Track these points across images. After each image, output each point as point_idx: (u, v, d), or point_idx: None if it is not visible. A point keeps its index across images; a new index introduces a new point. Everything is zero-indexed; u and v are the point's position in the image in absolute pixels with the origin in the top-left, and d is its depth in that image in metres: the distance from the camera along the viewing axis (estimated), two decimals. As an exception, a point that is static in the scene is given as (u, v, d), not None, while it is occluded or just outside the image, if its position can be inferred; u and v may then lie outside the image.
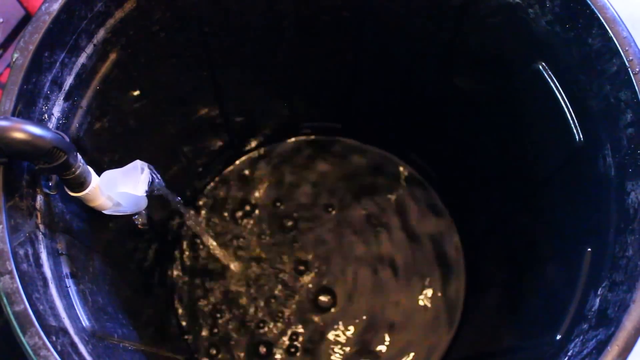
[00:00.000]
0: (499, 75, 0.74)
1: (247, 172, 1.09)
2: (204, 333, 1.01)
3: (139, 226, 0.71)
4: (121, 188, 0.60)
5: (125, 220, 0.69)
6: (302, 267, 1.03)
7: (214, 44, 0.80)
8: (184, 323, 1.01)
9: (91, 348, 0.54)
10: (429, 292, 1.02)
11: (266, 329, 1.01)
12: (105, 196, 0.60)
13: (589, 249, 0.60)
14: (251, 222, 1.06)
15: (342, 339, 1.00)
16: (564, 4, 0.60)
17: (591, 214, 0.62)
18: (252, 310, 1.02)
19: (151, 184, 0.63)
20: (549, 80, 0.65)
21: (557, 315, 0.61)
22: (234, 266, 1.03)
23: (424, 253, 1.04)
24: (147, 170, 0.63)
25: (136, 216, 0.70)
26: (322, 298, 1.02)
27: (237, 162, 1.10)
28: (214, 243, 1.03)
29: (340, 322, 1.01)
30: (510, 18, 0.66)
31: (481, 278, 1.00)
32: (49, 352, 0.47)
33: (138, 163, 0.62)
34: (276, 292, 1.02)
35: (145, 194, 0.63)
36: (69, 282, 0.57)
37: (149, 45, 0.71)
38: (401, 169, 1.09)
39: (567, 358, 0.55)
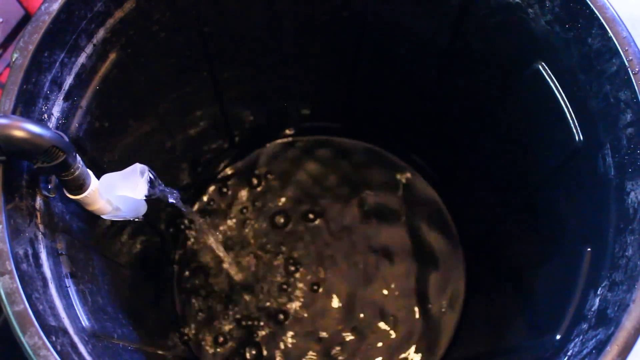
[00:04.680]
0: (499, 75, 0.74)
1: (247, 171, 1.09)
2: (205, 333, 1.01)
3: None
4: (120, 191, 0.60)
5: (125, 221, 0.69)
6: (303, 266, 1.03)
7: (214, 44, 0.80)
8: (184, 323, 1.01)
9: (91, 348, 0.54)
10: (428, 292, 1.02)
11: (267, 329, 1.01)
12: (104, 199, 0.60)
13: (589, 249, 0.60)
14: (252, 221, 1.06)
15: (341, 336, 1.00)
16: (563, 3, 0.60)
17: (591, 214, 0.62)
18: (253, 310, 1.02)
19: (151, 187, 0.63)
20: (549, 80, 0.65)
21: (557, 315, 0.61)
22: (235, 266, 1.03)
23: (423, 253, 1.04)
24: (147, 174, 0.62)
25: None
26: (323, 296, 1.02)
27: (237, 162, 1.10)
28: (215, 243, 1.03)
29: (340, 321, 1.01)
30: (510, 18, 0.66)
31: (481, 278, 1.00)
32: (48, 352, 0.47)
33: (137, 166, 0.62)
34: (278, 291, 1.02)
35: (144, 198, 0.63)
36: (69, 282, 0.57)
37: (149, 45, 0.71)
38: (401, 169, 1.09)
39: (566, 358, 0.55)
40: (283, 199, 1.07)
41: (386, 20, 0.79)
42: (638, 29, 0.62)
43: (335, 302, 1.02)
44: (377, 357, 0.99)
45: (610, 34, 0.56)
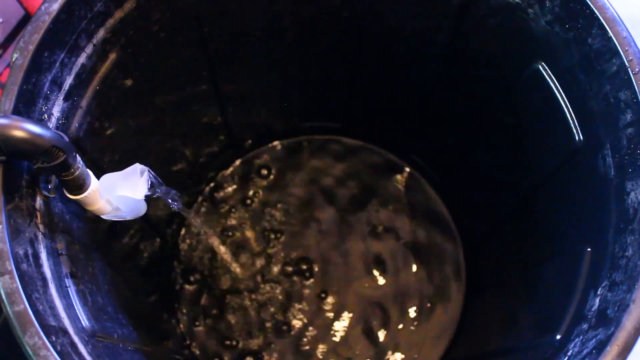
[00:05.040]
0: (499, 76, 0.74)
1: (246, 172, 1.09)
2: (204, 333, 1.01)
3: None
4: (120, 192, 0.60)
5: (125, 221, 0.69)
6: (303, 266, 1.03)
7: (214, 44, 0.80)
8: (183, 323, 1.01)
9: (91, 348, 0.54)
10: (428, 292, 1.02)
11: (267, 329, 1.01)
12: (104, 200, 0.59)
13: (589, 249, 0.60)
14: (253, 222, 1.06)
15: (342, 336, 1.00)
16: (563, 4, 0.60)
17: (591, 214, 0.62)
18: (252, 310, 1.02)
19: (151, 187, 0.63)
20: (549, 80, 0.65)
21: (557, 315, 0.61)
22: (234, 266, 1.03)
23: (423, 253, 1.04)
24: (146, 174, 0.62)
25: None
26: (323, 296, 1.02)
27: (237, 162, 1.10)
28: (215, 243, 1.03)
29: (340, 321, 1.01)
30: (510, 18, 0.66)
31: (481, 278, 1.00)
32: (48, 352, 0.47)
33: (137, 167, 0.62)
34: (278, 292, 1.02)
35: (144, 198, 0.63)
36: (69, 282, 0.57)
37: (149, 45, 0.71)
38: (401, 169, 1.09)
39: (567, 358, 0.55)
40: (282, 199, 1.07)
41: (386, 20, 0.79)
42: (638, 29, 0.62)
43: (338, 305, 1.02)
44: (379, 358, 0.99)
45: (610, 34, 0.56)
